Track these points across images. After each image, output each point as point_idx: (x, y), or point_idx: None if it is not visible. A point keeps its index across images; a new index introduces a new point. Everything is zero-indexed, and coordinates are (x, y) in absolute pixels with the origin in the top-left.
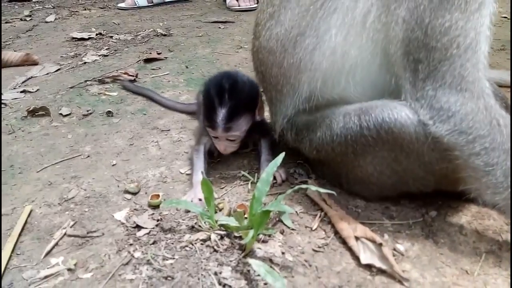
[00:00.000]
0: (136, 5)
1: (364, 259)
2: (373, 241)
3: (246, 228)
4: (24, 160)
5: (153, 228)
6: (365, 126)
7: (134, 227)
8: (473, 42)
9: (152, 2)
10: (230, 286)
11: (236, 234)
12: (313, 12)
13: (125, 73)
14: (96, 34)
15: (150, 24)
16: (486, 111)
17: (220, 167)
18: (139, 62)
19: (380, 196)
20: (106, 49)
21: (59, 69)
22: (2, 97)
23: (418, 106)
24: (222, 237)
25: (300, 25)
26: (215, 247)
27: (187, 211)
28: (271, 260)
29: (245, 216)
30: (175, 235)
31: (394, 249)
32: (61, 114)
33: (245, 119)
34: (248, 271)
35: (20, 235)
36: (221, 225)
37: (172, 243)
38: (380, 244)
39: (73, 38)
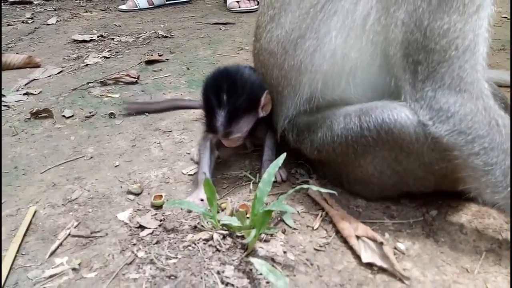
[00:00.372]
0: (137, 7)
1: (365, 258)
2: (374, 240)
3: (248, 227)
4: (28, 162)
5: (156, 228)
6: (366, 127)
7: (137, 227)
8: (472, 44)
9: (153, 4)
10: (232, 285)
11: (238, 234)
12: (313, 14)
13: (127, 75)
14: (98, 36)
15: (151, 26)
16: (485, 112)
17: (222, 168)
18: (141, 64)
19: (381, 195)
20: (108, 51)
21: (61, 71)
22: (6, 100)
23: (418, 107)
24: (224, 237)
25: (300, 27)
26: (218, 247)
27: (190, 211)
28: (273, 259)
29: (247, 216)
30: (178, 235)
31: (395, 248)
32: (64, 116)
33: (246, 120)
34: (251, 270)
35: (25, 235)
36: (223, 225)
37: (175, 243)
38: (381, 243)
39: (75, 40)
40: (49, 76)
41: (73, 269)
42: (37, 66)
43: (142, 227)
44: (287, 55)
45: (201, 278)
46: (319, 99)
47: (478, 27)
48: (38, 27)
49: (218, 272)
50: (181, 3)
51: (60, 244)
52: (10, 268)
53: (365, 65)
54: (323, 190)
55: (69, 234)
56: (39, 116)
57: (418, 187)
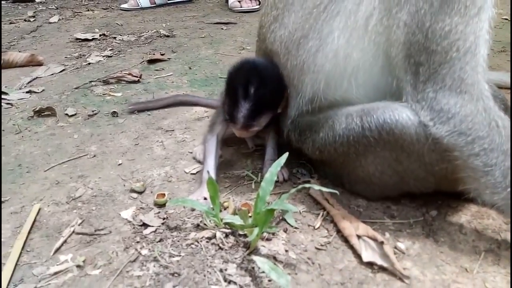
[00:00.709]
0: (138, 6)
1: (366, 257)
2: (374, 240)
3: (251, 226)
4: (32, 160)
5: (159, 226)
6: (367, 127)
7: (140, 225)
8: (473, 46)
9: (155, 3)
10: (235, 282)
11: (240, 232)
12: (316, 15)
13: (129, 74)
14: (100, 35)
15: (153, 25)
16: (485, 113)
17: (224, 167)
18: (143, 63)
19: (382, 195)
20: (110, 50)
21: (63, 70)
22: (9, 98)
23: (419, 107)
24: (227, 235)
25: (303, 27)
26: (220, 245)
27: (193, 210)
28: (275, 258)
29: (250, 214)
30: (181, 233)
31: (395, 247)
32: (66, 114)
33: (267, 115)
34: (253, 268)
35: (29, 232)
36: (226, 224)
37: (178, 241)
38: (382, 243)
39: (77, 39)
40: (52, 74)
41: (78, 266)
42: (39, 64)
43: (145, 225)
44: (290, 55)
45: (204, 275)
46: (321, 99)
47: (479, 29)
48: (40, 26)
49: (220, 270)
50: (183, 2)
51: (65, 242)
52: (16, 265)
53: (367, 66)
54: (324, 189)
55: (73, 232)
56: (42, 114)
57: (418, 187)
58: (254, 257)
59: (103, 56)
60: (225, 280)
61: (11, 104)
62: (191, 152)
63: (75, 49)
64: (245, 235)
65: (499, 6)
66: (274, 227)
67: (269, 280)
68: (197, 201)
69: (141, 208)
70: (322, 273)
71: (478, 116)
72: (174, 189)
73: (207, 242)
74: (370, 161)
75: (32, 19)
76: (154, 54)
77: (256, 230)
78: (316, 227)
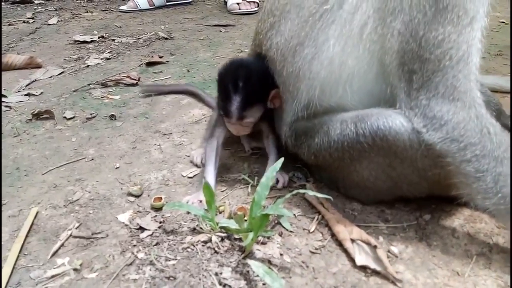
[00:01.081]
0: (137, 7)
1: (359, 261)
2: (368, 243)
3: (246, 230)
4: (30, 163)
5: (155, 230)
6: (361, 133)
7: (137, 229)
8: (465, 55)
9: (154, 5)
10: (230, 286)
11: (236, 236)
12: (312, 23)
13: (128, 77)
14: (99, 37)
15: (151, 27)
16: (477, 120)
17: (221, 170)
18: (141, 65)
19: (376, 200)
20: (109, 52)
21: (62, 72)
22: (7, 100)
23: (412, 114)
24: (222, 239)
25: (299, 35)
26: (216, 249)
27: (188, 213)
28: (269, 261)
29: (245, 218)
30: (177, 236)
31: (389, 251)
32: (65, 117)
33: (258, 107)
34: (248, 271)
35: (27, 236)
36: (221, 227)
37: (174, 245)
38: (375, 246)
39: (76, 41)
40: (50, 77)
41: (75, 269)
42: (38, 66)
43: (142, 229)
44: (286, 62)
45: (200, 279)
46: (316, 106)
47: (472, 38)
48: (39, 27)
49: (216, 274)
50: (182, 4)
51: (62, 245)
52: (13, 268)
53: (362, 73)
54: (319, 195)
55: (70, 235)
56: (41, 117)
57: (412, 192)
58: (249, 261)
59: (102, 59)
60: (220, 284)
61: (10, 107)
62: (188, 156)
63: (74, 51)
64: (240, 239)
65: (497, 9)
66: (270, 231)
67: (264, 284)
68: (192, 205)
69: (138, 211)
70: (316, 277)
71: (470, 123)
72: (171, 193)
73: (203, 246)
74: (364, 166)
75: (31, 21)
76: (152, 56)
77: (251, 235)
78: (311, 231)
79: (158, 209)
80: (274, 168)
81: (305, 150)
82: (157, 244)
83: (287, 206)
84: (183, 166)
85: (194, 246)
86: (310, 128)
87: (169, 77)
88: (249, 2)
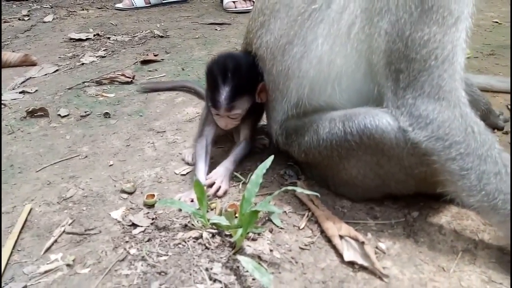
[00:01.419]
0: (133, 5)
1: (347, 257)
2: (356, 240)
3: (236, 226)
4: (24, 160)
5: (148, 226)
6: (349, 132)
7: (130, 225)
8: (450, 54)
9: (150, 3)
10: (220, 281)
11: (227, 233)
12: (301, 22)
13: (122, 75)
14: (94, 35)
15: (147, 25)
16: (462, 119)
17: (213, 168)
18: (136, 63)
19: (365, 197)
20: (104, 50)
21: (57, 70)
22: (2, 98)
23: (399, 113)
24: (213, 235)
25: (288, 34)
26: (207, 245)
27: (181, 210)
28: (259, 257)
29: (236, 215)
30: (169, 233)
31: (376, 247)
32: (59, 115)
33: (246, 98)
34: (238, 267)
35: (20, 232)
36: (212, 224)
37: (166, 241)
38: (363, 243)
39: (71, 39)
40: (45, 74)
41: (67, 265)
42: (33, 64)
43: (134, 225)
44: (275, 60)
45: (190, 274)
46: (306, 104)
47: (456, 38)
48: (34, 25)
49: (206, 269)
50: (178, 2)
51: (55, 241)
52: (7, 264)
53: (350, 72)
54: (307, 192)
55: (63, 231)
56: (35, 114)
57: (399, 189)
58: (239, 257)
59: (97, 57)
60: (210, 279)
61: (4, 105)
62: (181, 154)
63: (69, 49)
64: (231, 235)
65: (490, 9)
66: (260, 228)
67: (253, 279)
68: (184, 202)
69: (131, 208)
70: (305, 272)
71: (455, 122)
72: (164, 190)
73: (194, 242)
74: (352, 164)
75: (26, 18)
76: (147, 54)
77: (240, 231)
78: (301, 227)
79: (150, 206)
80: (264, 165)
81: (295, 148)
82: (149, 240)
83: (278, 203)
84: (176, 164)
85: (185, 242)
86: (300, 127)
87: (163, 75)
88: (245, 0)
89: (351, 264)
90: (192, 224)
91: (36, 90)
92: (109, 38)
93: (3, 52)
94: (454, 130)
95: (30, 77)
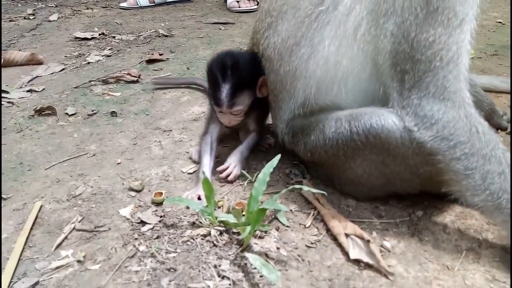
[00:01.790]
0: (137, 5)
1: (353, 255)
2: (361, 238)
3: (244, 224)
4: (33, 158)
5: (156, 223)
6: (355, 131)
7: (138, 223)
8: (455, 56)
9: (154, 2)
10: (228, 278)
11: (234, 230)
12: (308, 23)
13: (128, 74)
14: (99, 34)
15: (151, 25)
16: (466, 119)
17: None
18: (142, 62)
19: (370, 196)
20: (109, 49)
21: (63, 69)
22: (10, 96)
23: (404, 113)
24: (221, 233)
25: (296, 35)
26: (215, 242)
27: (187, 208)
28: (266, 255)
29: (243, 213)
30: (177, 230)
31: (382, 246)
32: (66, 113)
33: (247, 94)
34: (245, 264)
35: (31, 229)
36: (220, 222)
37: (175, 238)
38: (368, 241)
39: (77, 37)
40: (52, 73)
41: (78, 261)
42: (39, 63)
43: (143, 223)
44: (282, 61)
45: (199, 271)
46: (312, 104)
47: (461, 40)
48: (39, 24)
49: (215, 266)
50: (182, 1)
51: (65, 238)
52: (19, 260)
53: (356, 73)
54: (314, 190)
55: (73, 228)
56: (43, 113)
57: (404, 188)
58: (247, 254)
59: (102, 56)
60: (219, 276)
61: (12, 103)
62: (188, 152)
63: (75, 48)
64: (238, 233)
65: (493, 9)
66: (267, 226)
67: (261, 276)
68: (192, 200)
69: (139, 206)
70: (311, 270)
71: (460, 122)
72: (171, 188)
73: (202, 239)
74: (358, 163)
75: (31, 17)
76: (152, 54)
77: (248, 228)
78: (307, 225)
79: (158, 203)
80: (271, 164)
81: (301, 147)
82: (157, 237)
83: (284, 202)
84: (183, 162)
85: (193, 239)
86: (307, 126)
87: (169, 74)
88: (248, 0)
89: (357, 262)
90: (200, 222)
91: (43, 89)
92: (114, 37)
93: (10, 51)
94: (459, 130)
95: (37, 76)
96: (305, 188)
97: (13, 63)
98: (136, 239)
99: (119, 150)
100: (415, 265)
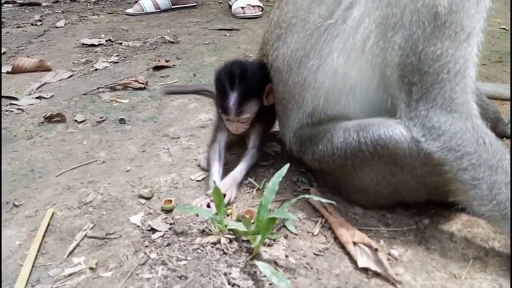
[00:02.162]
0: (143, 11)
1: (361, 263)
2: (369, 246)
3: (253, 233)
4: (44, 165)
5: (166, 231)
6: (363, 142)
7: (149, 230)
8: (462, 68)
9: (159, 8)
10: (238, 285)
11: (244, 238)
12: (317, 36)
13: (136, 81)
14: (106, 41)
15: (157, 31)
16: (473, 130)
17: (227, 174)
18: (148, 69)
19: (377, 204)
20: (116, 56)
21: (71, 76)
22: (19, 103)
23: (412, 124)
24: (231, 241)
25: (305, 47)
26: (225, 250)
27: (198, 216)
28: (275, 263)
29: (252, 221)
30: (187, 238)
31: (389, 254)
32: (76, 120)
33: (254, 102)
34: (255, 272)
35: (44, 236)
36: (230, 230)
37: (185, 245)
38: (376, 249)
39: (84, 44)
40: (60, 80)
41: (90, 268)
42: (48, 69)
43: (153, 230)
44: (292, 72)
45: (210, 279)
46: (320, 114)
47: (468, 53)
48: (47, 30)
49: (225, 274)
50: (187, 7)
51: (77, 245)
52: (32, 266)
53: (364, 84)
54: (323, 200)
55: (85, 235)
56: (52, 120)
57: (411, 198)
58: (257, 262)
59: (110, 62)
60: (229, 283)
61: (22, 110)
62: (196, 159)
63: (82, 54)
64: (248, 241)
65: (497, 15)
66: (275, 234)
67: (270, 284)
68: (201, 208)
69: (149, 213)
70: (320, 278)
71: (467, 133)
72: (180, 195)
73: (212, 247)
74: (366, 173)
75: (39, 23)
76: (159, 60)
77: (258, 237)
78: (315, 233)
79: (168, 211)
80: (280, 173)
81: (309, 156)
82: (168, 245)
83: (291, 210)
84: (191, 169)
85: (203, 247)
86: (315, 135)
87: (176, 81)
88: (253, 6)
89: (365, 270)
90: (210, 230)
91: (52, 96)
92: (121, 43)
93: (19, 57)
94: (466, 141)
95: (46, 83)
96: (314, 198)
97: (22, 69)
98: (147, 246)
99: (128, 157)
100: (423, 274)
